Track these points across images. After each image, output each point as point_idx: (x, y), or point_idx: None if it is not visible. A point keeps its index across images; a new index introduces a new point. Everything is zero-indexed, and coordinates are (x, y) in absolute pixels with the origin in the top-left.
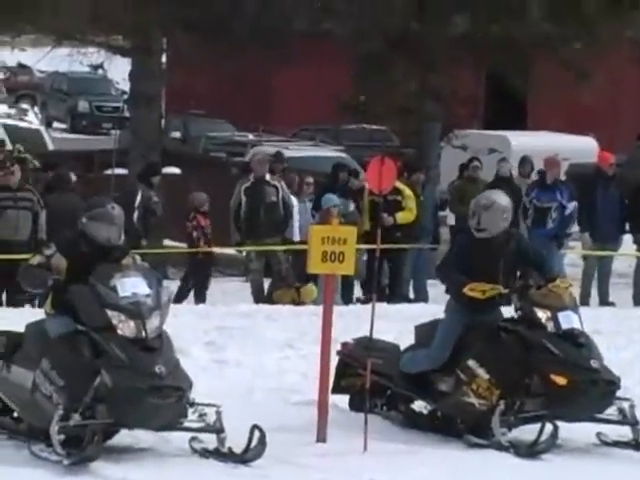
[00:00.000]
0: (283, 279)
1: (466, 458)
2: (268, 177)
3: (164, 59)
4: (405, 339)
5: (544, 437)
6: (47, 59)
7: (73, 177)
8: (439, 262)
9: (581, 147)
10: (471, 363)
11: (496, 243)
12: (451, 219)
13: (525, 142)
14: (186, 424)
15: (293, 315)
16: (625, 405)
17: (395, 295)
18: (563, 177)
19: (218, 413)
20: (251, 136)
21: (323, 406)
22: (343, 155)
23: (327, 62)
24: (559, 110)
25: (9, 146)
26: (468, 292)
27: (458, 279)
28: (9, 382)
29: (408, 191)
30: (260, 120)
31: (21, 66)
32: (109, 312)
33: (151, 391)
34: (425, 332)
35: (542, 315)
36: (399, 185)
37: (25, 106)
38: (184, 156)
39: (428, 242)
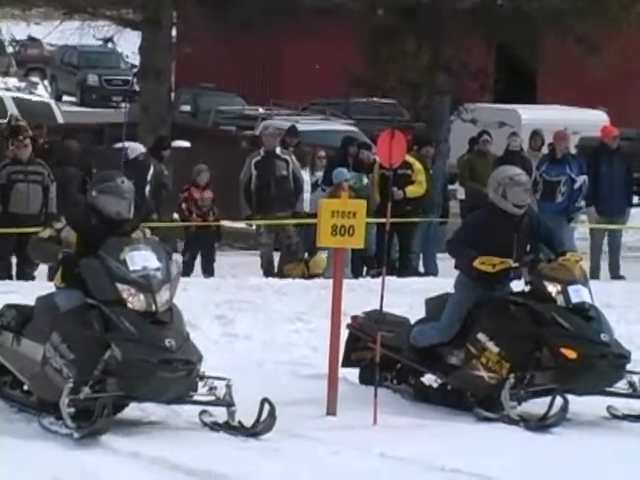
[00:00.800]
0: (293, 253)
1: (476, 432)
2: (279, 151)
3: (174, 33)
4: (415, 313)
5: (554, 411)
6: (57, 32)
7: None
8: (450, 237)
9: (592, 120)
10: (481, 336)
11: (514, 218)
12: (461, 193)
13: (535, 116)
14: (196, 397)
15: (303, 289)
16: (635, 378)
17: (405, 269)
18: (574, 151)
19: (228, 386)
20: (261, 110)
21: (333, 379)
22: (353, 129)
23: (337, 36)
24: (569, 84)
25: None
26: (478, 266)
27: (469, 253)
28: (19, 355)
29: (418, 165)
30: (270, 94)
31: (31, 39)
32: (119, 286)
33: (161, 364)
34: (435, 306)
35: (552, 289)
36: (409, 159)
37: (35, 79)
38: (194, 129)
39: (437, 216)
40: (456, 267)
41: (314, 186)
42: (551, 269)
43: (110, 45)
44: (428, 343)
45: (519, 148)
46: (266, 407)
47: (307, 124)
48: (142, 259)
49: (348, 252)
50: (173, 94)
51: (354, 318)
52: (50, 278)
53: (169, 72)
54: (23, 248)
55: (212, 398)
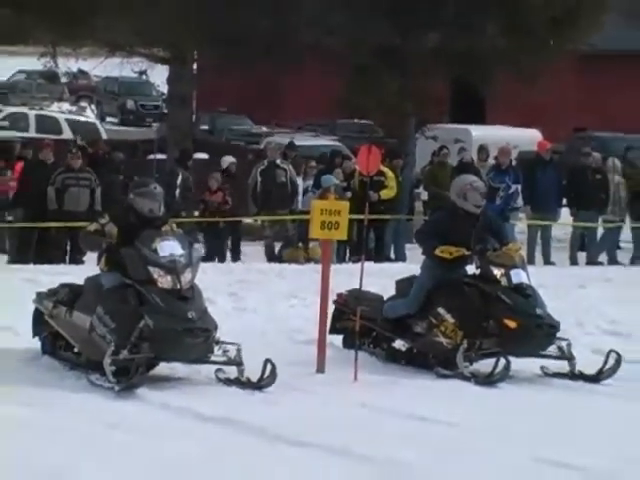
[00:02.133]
0: (290, 242)
1: (436, 386)
2: (279, 161)
3: (195, 67)
4: (387, 291)
5: (498, 369)
6: (102, 66)
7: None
8: (417, 230)
9: (529, 137)
10: (440, 310)
11: (472, 216)
12: (424, 195)
13: (484, 133)
14: (213, 358)
15: (298, 272)
16: (563, 344)
17: (379, 256)
18: (514, 162)
19: (238, 350)
20: (265, 129)
21: (322, 344)
22: (339, 144)
23: (326, 70)
24: (511, 108)
25: (74, 137)
26: (439, 253)
27: (432, 243)
28: (71, 324)
29: (390, 173)
30: (273, 116)
31: (81, 72)
32: (151, 269)
33: (185, 332)
34: (403, 285)
35: (497, 272)
36: (383, 168)
37: (84, 104)
38: (211, 144)
39: (405, 213)
40: (422, 254)
41: (306, 190)
42: (496, 256)
43: (144, 77)
44: (398, 315)
45: (470, 160)
46: (268, 366)
47: (302, 140)
48: (169, 248)
49: (334, 242)
50: (194, 116)
51: (339, 295)
52: (96, 263)
53: (191, 98)
54: (74, 239)
55: (225, 359)
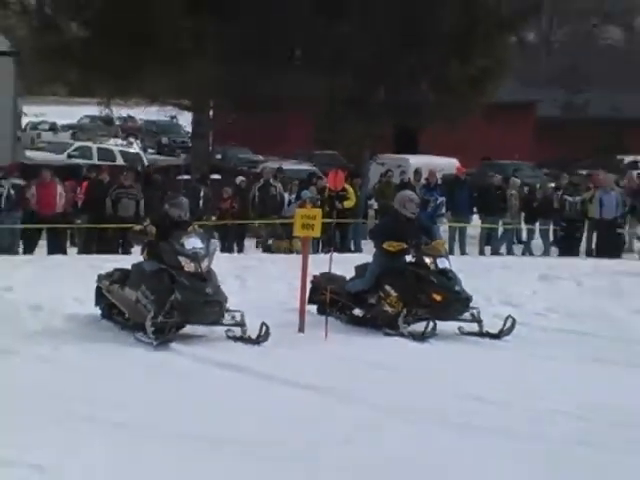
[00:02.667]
0: (279, 238)
1: (384, 342)
2: (271, 181)
3: (211, 113)
4: (349, 274)
5: (429, 329)
6: (144, 113)
7: (159, 179)
8: (370, 230)
9: (450, 164)
10: (387, 287)
11: (410, 220)
12: (375, 205)
13: (417, 161)
14: (224, 322)
15: (285, 260)
16: (475, 311)
17: (343, 249)
18: (440, 181)
19: (242, 315)
20: (261, 157)
21: (302, 312)
22: (314, 168)
23: (306, 116)
24: (437, 143)
25: (125, 164)
26: (386, 247)
27: (381, 239)
28: (123, 297)
29: (351, 189)
30: (267, 149)
31: (129, 117)
32: (180, 257)
33: (204, 303)
34: (360, 269)
35: (428, 260)
36: (346, 185)
37: (131, 140)
38: (222, 168)
39: (362, 218)
40: (374, 247)
41: (290, 201)
42: (427, 249)
43: (175, 120)
44: (356, 290)
45: (408, 180)
46: (264, 327)
47: (288, 166)
48: (193, 242)
49: (311, 239)
50: (210, 148)
51: (315, 277)
52: (140, 253)
53: (208, 135)
54: (125, 236)
55: (233, 322)
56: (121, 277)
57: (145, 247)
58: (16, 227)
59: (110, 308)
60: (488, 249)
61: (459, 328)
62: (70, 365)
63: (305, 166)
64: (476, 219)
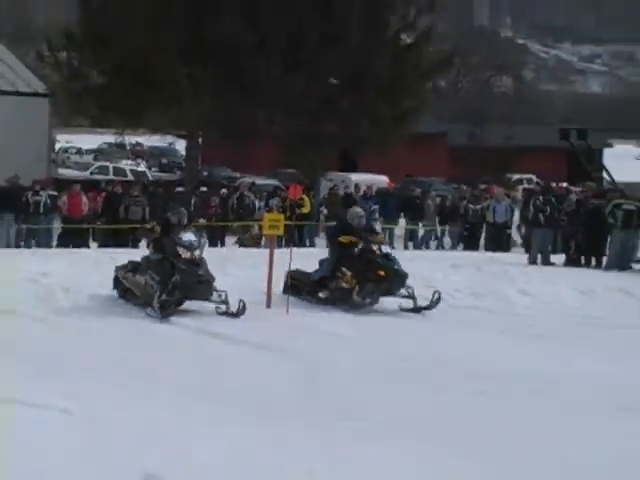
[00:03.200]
0: (254, 237)
1: (341, 315)
2: (246, 192)
3: (200, 140)
4: (306, 265)
5: (374, 302)
6: (149, 140)
7: (161, 192)
8: (328, 230)
9: (382, 180)
10: (344, 269)
11: (359, 223)
12: (325, 211)
13: (357, 178)
14: (213, 299)
15: (257, 253)
16: (410, 290)
17: (301, 244)
18: (374, 193)
19: (225, 294)
20: (239, 174)
21: (269, 292)
22: (278, 183)
23: (273, 143)
24: (372, 164)
25: (134, 180)
26: (341, 240)
27: (337, 235)
28: (135, 282)
29: (307, 199)
30: (243, 168)
31: (138, 143)
32: (179, 248)
33: (198, 283)
34: (323, 261)
35: (374, 247)
36: (303, 196)
37: (139, 161)
38: (209, 183)
39: (315, 221)
40: (328, 240)
41: (259, 207)
42: (373, 239)
43: (173, 145)
44: (319, 277)
45: (350, 192)
46: (241, 304)
47: (259, 180)
48: (189, 236)
49: (276, 236)
50: (200, 167)
51: (290, 271)
52: (146, 247)
53: (198, 158)
54: (134, 235)
55: (219, 299)
56: (133, 266)
57: (151, 242)
58: (51, 227)
59: (125, 291)
60: (411, 245)
61: (399, 305)
62: (92, 332)
63: (272, 181)
64: (402, 222)
